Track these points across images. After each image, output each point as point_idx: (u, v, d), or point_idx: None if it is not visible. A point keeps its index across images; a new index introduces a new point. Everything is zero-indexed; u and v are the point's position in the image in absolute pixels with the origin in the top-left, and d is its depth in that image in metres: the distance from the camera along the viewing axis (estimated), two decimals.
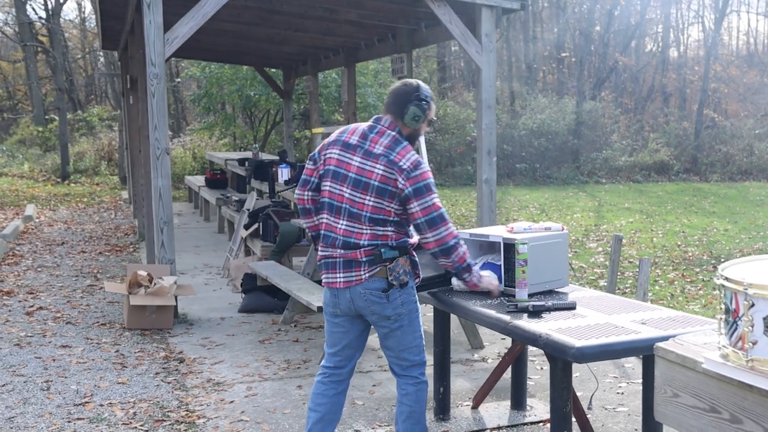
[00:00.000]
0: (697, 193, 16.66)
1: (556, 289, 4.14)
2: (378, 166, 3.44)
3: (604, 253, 9.77)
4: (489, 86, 7.66)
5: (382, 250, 3.51)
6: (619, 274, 8.31)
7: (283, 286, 6.16)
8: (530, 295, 3.92)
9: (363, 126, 3.61)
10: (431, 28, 8.89)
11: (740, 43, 35.95)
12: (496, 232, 4.21)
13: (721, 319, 2.22)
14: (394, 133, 3.52)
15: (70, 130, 23.10)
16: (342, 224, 3.55)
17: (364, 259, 3.52)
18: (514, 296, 3.90)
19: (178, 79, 25.26)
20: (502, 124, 20.04)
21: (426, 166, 3.54)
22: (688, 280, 8.31)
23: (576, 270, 8.97)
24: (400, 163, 3.43)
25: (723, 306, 2.20)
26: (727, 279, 2.15)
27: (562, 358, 3.23)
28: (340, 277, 3.60)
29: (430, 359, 4.11)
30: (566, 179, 18.74)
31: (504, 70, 26.01)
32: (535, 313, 3.63)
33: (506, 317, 3.58)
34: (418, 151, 3.70)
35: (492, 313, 3.69)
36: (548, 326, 3.38)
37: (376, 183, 3.43)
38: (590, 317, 3.56)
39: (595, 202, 15.36)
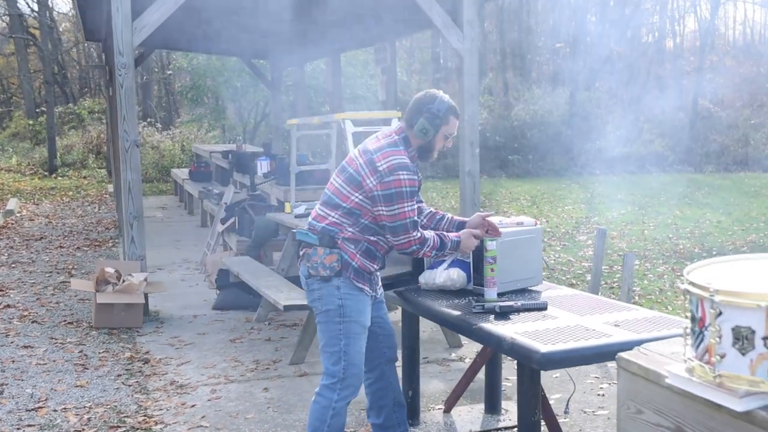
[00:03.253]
0: (691, 184, 16.42)
1: (529, 288, 3.92)
2: (361, 159, 3.39)
3: (593, 247, 9.51)
4: (471, 75, 7.42)
5: (308, 233, 3.47)
6: (607, 268, 8.09)
7: (253, 283, 5.93)
8: (500, 295, 3.68)
9: (384, 131, 3.62)
10: (413, 16, 8.64)
11: (736, 34, 35.70)
12: None
13: (686, 328, 1.98)
14: (396, 138, 3.44)
15: (61, 123, 22.86)
16: (317, 206, 3.54)
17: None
18: (482, 296, 3.67)
19: (170, 72, 24.96)
20: (495, 114, 19.79)
21: (405, 173, 3.34)
22: (678, 274, 8.08)
23: (563, 264, 8.74)
24: (377, 164, 3.32)
25: (689, 314, 1.96)
26: (692, 284, 1.91)
27: (527, 364, 3.00)
28: None
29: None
30: (560, 171, 18.51)
31: (498, 60, 25.73)
32: (503, 314, 3.40)
33: (472, 319, 3.35)
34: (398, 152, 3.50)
35: (457, 314, 3.46)
36: (515, 329, 3.15)
37: (351, 170, 3.38)
38: (561, 319, 3.33)
39: (587, 193, 15.13)
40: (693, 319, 1.93)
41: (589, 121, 20.25)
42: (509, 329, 3.15)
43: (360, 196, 3.38)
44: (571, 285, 7.49)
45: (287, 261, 6.65)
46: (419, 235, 3.43)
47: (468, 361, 5.36)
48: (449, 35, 7.35)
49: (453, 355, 5.56)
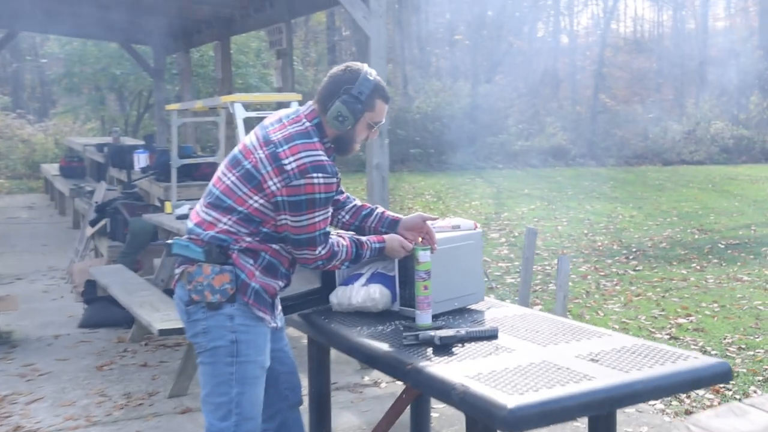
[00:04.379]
0: (595, 178, 16.18)
1: (469, 307, 3.11)
2: (261, 152, 2.56)
3: (508, 245, 8.90)
4: (379, 58, 6.55)
5: (190, 245, 2.56)
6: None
7: (123, 299, 4.91)
8: (434, 317, 2.86)
9: (289, 111, 2.76)
10: None
11: (627, 30, 36.37)
12: None
13: None
14: (307, 125, 2.61)
15: None
16: (199, 208, 2.69)
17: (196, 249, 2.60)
18: (413, 320, 2.84)
19: (44, 60, 23.07)
20: (395, 107, 19.08)
21: (320, 176, 2.51)
22: (602, 273, 7.52)
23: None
24: (284, 161, 2.51)
25: None
26: None
27: (486, 423, 2.17)
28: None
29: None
30: (462, 164, 17.96)
31: (396, 54, 25.08)
32: (444, 346, 2.57)
33: (403, 354, 2.51)
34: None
35: (384, 348, 2.61)
36: (464, 370, 2.33)
37: (249, 166, 2.56)
38: (519, 351, 2.52)
39: (493, 188, 14.60)
40: None
41: (491, 115, 19.82)
42: (456, 371, 2.32)
43: (261, 200, 2.53)
44: (489, 289, 6.78)
45: (167, 270, 5.66)
46: (326, 249, 2.64)
47: (384, 386, 4.54)
48: (354, 10, 6.47)
49: (366, 378, 4.72)
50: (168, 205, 6.03)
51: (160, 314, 4.42)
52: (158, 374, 4.84)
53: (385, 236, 2.85)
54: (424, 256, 2.80)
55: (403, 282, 2.97)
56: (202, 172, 6.79)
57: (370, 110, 2.63)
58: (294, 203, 2.50)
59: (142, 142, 10.24)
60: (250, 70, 15.84)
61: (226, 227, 2.53)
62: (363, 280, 3.09)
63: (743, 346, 5.24)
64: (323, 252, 2.62)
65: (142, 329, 5.37)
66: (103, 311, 5.93)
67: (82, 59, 15.85)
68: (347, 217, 2.94)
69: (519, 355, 2.47)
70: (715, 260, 8.06)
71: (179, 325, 4.08)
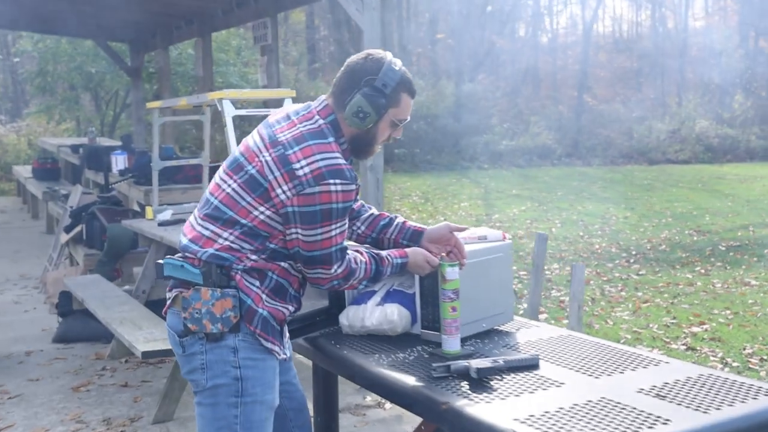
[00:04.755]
0: (583, 178, 15.93)
1: (498, 328, 2.76)
2: (267, 155, 2.18)
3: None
4: None
5: (185, 265, 2.15)
6: (525, 273, 7.11)
7: (102, 315, 4.50)
8: (462, 341, 2.50)
9: (298, 106, 2.36)
10: None
11: (607, 29, 36.27)
12: None
13: None
14: (321, 122, 2.24)
15: None
16: (194, 220, 2.31)
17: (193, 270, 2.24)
18: (439, 346, 2.49)
19: (17, 59, 22.43)
20: None
21: (338, 182, 2.13)
22: (605, 278, 7.21)
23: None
24: (295, 166, 2.13)
25: None
26: None
27: None
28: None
29: None
30: (447, 165, 17.65)
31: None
32: (481, 379, 2.21)
33: (433, 390, 2.15)
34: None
35: (410, 382, 2.24)
36: (511, 411, 1.97)
37: (253, 171, 2.18)
38: (569, 384, 2.17)
39: (480, 189, 14.28)
40: None
41: (475, 114, 19.52)
42: (503, 412, 1.97)
43: (268, 212, 2.16)
44: None
45: (149, 281, 5.26)
46: (343, 267, 2.28)
47: (388, 407, 4.19)
48: (347, 3, 6.10)
49: (368, 398, 4.36)
50: (149, 211, 5.63)
51: (143, 333, 4.02)
52: (141, 396, 4.45)
53: (408, 250, 2.48)
54: (452, 273, 2.45)
55: (425, 301, 2.61)
56: (185, 175, 6.39)
57: (395, 105, 2.27)
58: (307, 214, 2.13)
59: (119, 143, 9.78)
60: (230, 69, 15.40)
61: (227, 243, 2.16)
62: (377, 298, 2.72)
63: (765, 357, 4.94)
64: (339, 270, 2.26)
65: (122, 345, 4.96)
66: (79, 325, 5.52)
67: (55, 57, 15.32)
68: (363, 228, 2.58)
69: (570, 391, 2.12)
70: (719, 263, 7.79)
71: (166, 346, 3.70)
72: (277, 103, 4.53)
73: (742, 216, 10.73)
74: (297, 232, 2.16)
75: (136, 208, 7.09)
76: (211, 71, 10.30)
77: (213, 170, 6.39)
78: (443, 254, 2.53)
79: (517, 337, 2.67)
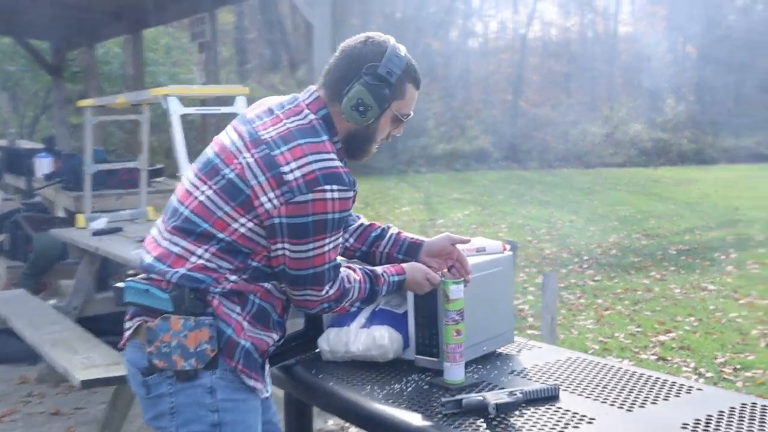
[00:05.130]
0: (521, 181, 15.86)
1: (498, 351, 2.45)
2: (248, 155, 1.83)
3: None
4: (323, 48, 5.87)
5: (150, 289, 1.83)
6: None
7: (29, 336, 4.02)
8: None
9: (282, 98, 2.00)
10: None
11: (536, 34, 36.65)
12: None
13: None
14: (312, 118, 1.89)
15: None
16: (159, 234, 1.93)
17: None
18: (437, 374, 2.17)
19: None
20: None
21: (334, 188, 1.79)
22: (561, 284, 7.00)
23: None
24: (283, 169, 1.79)
25: None
26: None
27: None
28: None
29: None
30: (385, 169, 17.36)
31: (305, 55, 24.30)
32: (500, 416, 1.89)
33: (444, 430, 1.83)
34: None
35: (416, 422, 1.91)
36: None
37: (231, 175, 1.83)
38: (601, 419, 1.88)
39: (420, 193, 14.05)
40: None
41: (411, 117, 19.29)
42: None
43: (250, 224, 1.80)
44: None
45: (81, 295, 4.79)
46: (336, 288, 1.93)
47: None
48: None
49: (330, 422, 4.00)
50: (80, 218, 5.15)
51: (79, 358, 3.56)
52: (74, 426, 4.00)
53: (405, 266, 2.15)
54: (456, 291, 2.12)
55: (420, 323, 2.28)
56: (119, 179, 5.91)
57: (400, 97, 1.94)
58: (297, 227, 1.78)
59: (41, 146, 9.15)
60: (159, 68, 14.77)
61: (201, 262, 1.79)
62: (362, 319, 2.37)
63: (738, 366, 4.78)
64: (332, 291, 1.92)
65: (54, 369, 4.48)
66: (1, 343, 5.00)
67: None
68: (351, 240, 2.23)
69: (605, 428, 1.82)
70: (672, 267, 7.69)
71: (108, 373, 3.27)
72: (219, 101, 4.13)
73: (685, 219, 10.74)
74: (284, 248, 1.81)
75: (62, 214, 6.57)
76: (143, 70, 9.78)
77: (152, 174, 5.95)
78: (444, 270, 2.21)
79: (522, 361, 2.36)
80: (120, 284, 1.86)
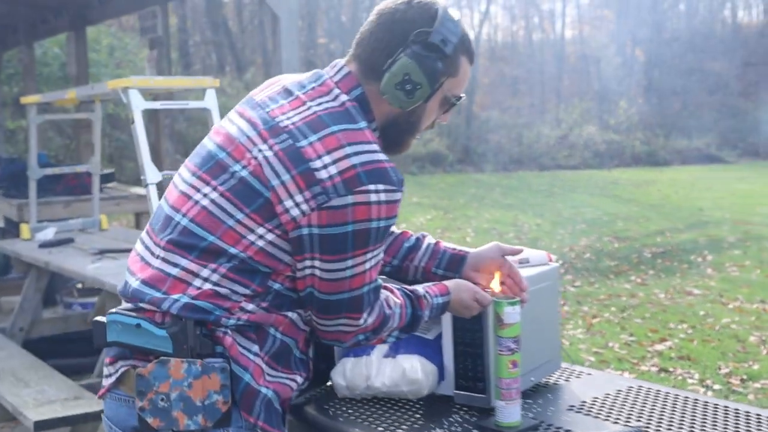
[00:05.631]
0: (479, 185, 15.62)
1: (545, 382, 2.07)
2: (265, 147, 1.42)
3: None
4: (291, 42, 5.44)
5: (143, 323, 1.38)
6: None
7: None
8: None
9: (299, 76, 1.57)
10: None
11: (483, 37, 36.66)
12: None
13: None
14: (344, 99, 1.48)
15: None
16: (145, 250, 1.51)
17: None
18: (483, 413, 1.80)
19: None
20: None
21: (380, 188, 1.38)
22: None
23: None
24: (313, 164, 1.38)
25: None
26: None
27: None
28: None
29: None
30: None
31: (267, 56, 23.79)
32: None
33: None
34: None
35: None
36: None
37: (244, 173, 1.42)
38: None
39: None
40: None
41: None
42: None
43: (271, 235, 1.39)
44: None
45: (28, 316, 4.27)
46: (376, 315, 1.53)
47: None
48: None
49: None
50: (25, 228, 4.62)
51: (31, 392, 3.05)
52: None
53: (449, 284, 1.74)
54: (512, 313, 1.73)
55: (462, 351, 1.88)
56: (67, 185, 5.37)
57: (453, 74, 1.53)
58: (332, 239, 1.37)
59: None
60: (102, 70, 14.07)
61: (209, 287, 1.36)
62: (384, 347, 1.97)
63: (744, 377, 4.50)
64: (370, 320, 1.51)
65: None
66: None
67: None
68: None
69: None
70: (651, 271, 7.45)
71: (66, 411, 2.78)
72: (199, 95, 3.67)
73: (652, 221, 10.58)
74: (313, 266, 1.39)
75: (1, 224, 6.00)
76: (86, 70, 9.15)
77: (102, 179, 5.42)
78: (494, 287, 1.82)
79: (576, 393, 1.99)
80: (101, 318, 1.41)
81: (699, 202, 12.31)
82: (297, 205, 1.35)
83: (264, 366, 1.41)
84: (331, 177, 1.34)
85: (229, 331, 1.37)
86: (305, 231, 1.36)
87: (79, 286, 5.55)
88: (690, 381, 4.44)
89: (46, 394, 2.98)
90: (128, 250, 3.94)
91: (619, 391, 1.98)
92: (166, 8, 7.13)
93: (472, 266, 1.83)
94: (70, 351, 4.32)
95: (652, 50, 24.37)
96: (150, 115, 6.91)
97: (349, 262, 1.39)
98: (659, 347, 5.06)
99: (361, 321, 1.48)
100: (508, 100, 25.30)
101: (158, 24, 7.04)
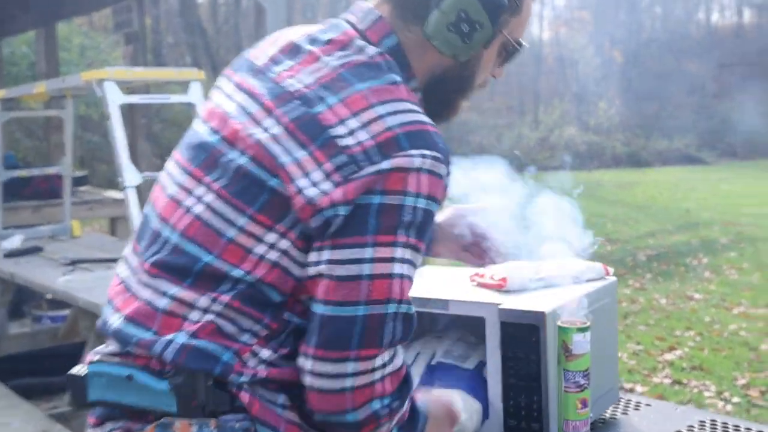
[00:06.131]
0: None
1: (605, 416, 1.78)
2: (270, 122, 1.07)
3: None
4: None
5: (136, 374, 1.04)
6: None
7: None
8: None
9: (311, 27, 1.22)
10: None
11: None
12: (455, 287, 1.72)
13: None
14: (373, 52, 1.14)
15: None
16: (131, 275, 1.15)
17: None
18: None
19: None
20: None
21: (427, 155, 1.05)
22: None
23: None
24: (335, 131, 1.04)
25: None
26: None
27: None
28: None
29: None
30: None
31: (230, 58, 23.41)
32: None
33: None
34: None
35: None
36: None
37: (242, 160, 1.08)
38: None
39: None
40: None
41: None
42: None
43: (284, 240, 1.04)
44: None
45: None
46: (399, 361, 1.15)
47: None
48: None
49: None
50: None
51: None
52: None
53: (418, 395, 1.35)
54: (581, 342, 1.46)
55: (514, 385, 1.58)
56: (36, 189, 5.00)
57: (517, 12, 1.22)
58: (352, 217, 1.03)
59: None
60: (72, 69, 13.61)
61: (210, 319, 1.04)
62: (414, 378, 1.66)
63: (763, 389, 4.25)
64: (390, 364, 1.11)
65: None
66: None
67: None
68: None
69: None
70: (648, 275, 7.23)
71: None
72: (182, 88, 3.35)
73: (642, 223, 10.39)
74: (321, 261, 1.04)
75: None
76: (57, 69, 8.75)
77: (75, 182, 5.06)
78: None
79: (642, 430, 1.69)
80: (78, 370, 1.07)
81: (684, 203, 12.17)
82: (314, 184, 1.02)
83: (299, 420, 1.07)
84: (359, 143, 1.02)
85: (244, 384, 1.04)
86: (329, 214, 1.01)
87: (49, 296, 5.18)
88: (707, 394, 4.19)
89: (14, 429, 2.62)
90: (103, 261, 3.59)
91: (690, 426, 1.69)
92: (143, 1, 6.76)
93: (439, 242, 1.61)
94: (38, 370, 3.97)
95: (630, 51, 24.33)
96: (124, 115, 6.54)
97: (369, 251, 1.02)
98: (669, 357, 4.80)
99: (378, 361, 1.07)
100: (485, 102, 25.10)
101: (134, 18, 6.69)
